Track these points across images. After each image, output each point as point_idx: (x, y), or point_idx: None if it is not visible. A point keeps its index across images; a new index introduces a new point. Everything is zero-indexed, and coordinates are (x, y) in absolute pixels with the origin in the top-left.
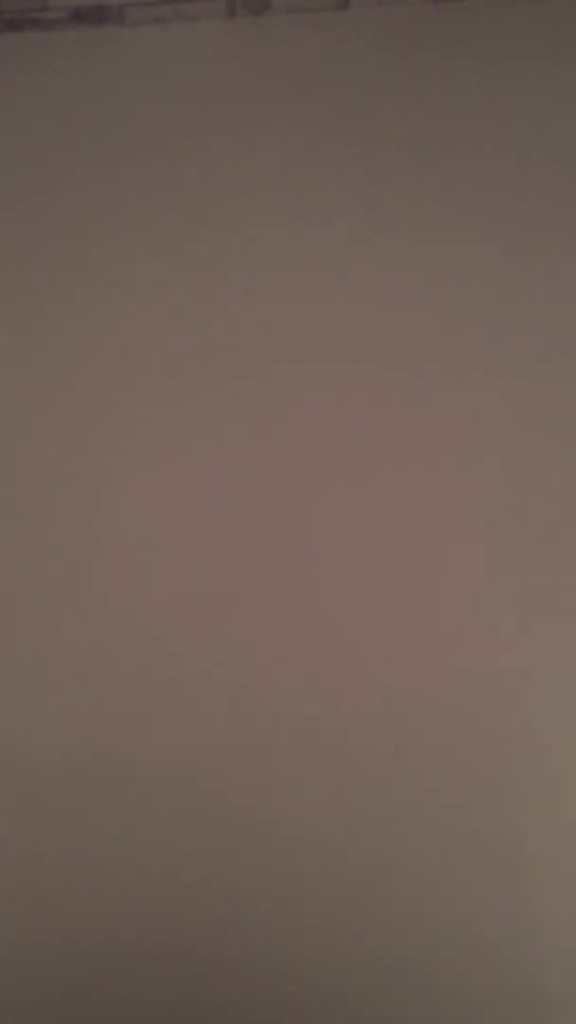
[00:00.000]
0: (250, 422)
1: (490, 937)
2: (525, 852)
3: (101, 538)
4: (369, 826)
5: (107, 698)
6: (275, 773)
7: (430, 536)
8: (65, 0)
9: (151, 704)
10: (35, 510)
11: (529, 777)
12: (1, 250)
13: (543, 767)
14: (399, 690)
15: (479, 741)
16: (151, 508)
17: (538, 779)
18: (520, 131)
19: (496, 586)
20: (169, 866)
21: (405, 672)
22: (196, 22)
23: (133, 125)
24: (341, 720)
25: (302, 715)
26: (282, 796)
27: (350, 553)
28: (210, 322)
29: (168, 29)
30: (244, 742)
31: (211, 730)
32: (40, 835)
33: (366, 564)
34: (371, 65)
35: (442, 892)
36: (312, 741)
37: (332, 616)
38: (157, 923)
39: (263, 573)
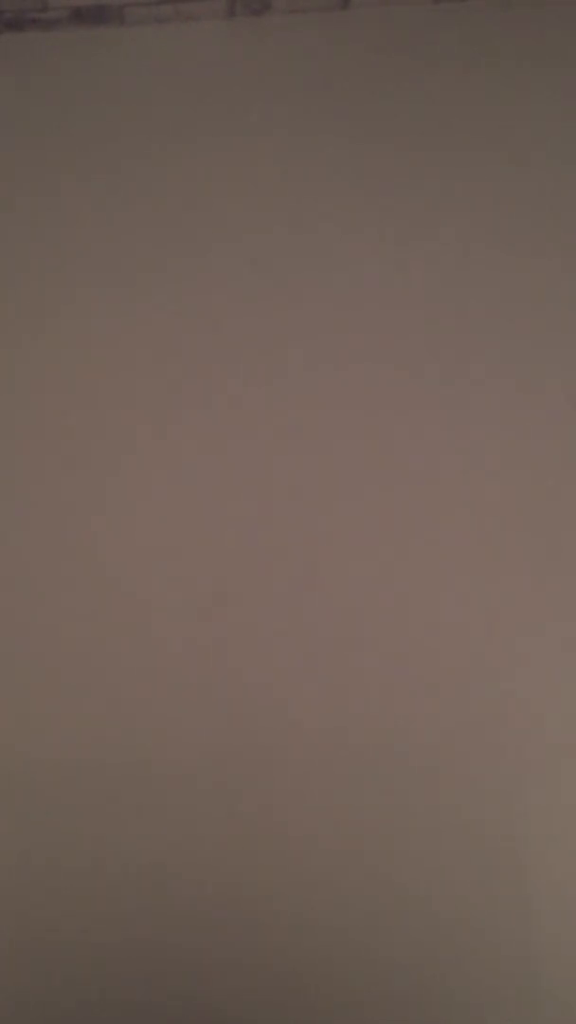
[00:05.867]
0: (252, 424)
1: (490, 934)
2: (525, 850)
3: (103, 540)
4: (369, 824)
5: (108, 699)
6: (276, 772)
7: (430, 537)
8: (65, 0)
9: (152, 704)
10: (37, 513)
11: (530, 776)
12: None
13: (544, 766)
14: (400, 689)
15: (479, 741)
16: (154, 511)
17: (539, 778)
18: (519, 130)
19: (496, 586)
20: (169, 865)
21: (406, 671)
22: (196, 22)
23: (133, 125)
24: (342, 720)
25: (303, 716)
26: (283, 795)
27: (350, 554)
28: (210, 322)
29: (168, 29)
30: (245, 742)
31: (212, 730)
32: (40, 834)
33: (367, 565)
34: (371, 65)
35: (442, 890)
36: (313, 741)
37: (333, 617)
38: (156, 921)
39: (264, 574)
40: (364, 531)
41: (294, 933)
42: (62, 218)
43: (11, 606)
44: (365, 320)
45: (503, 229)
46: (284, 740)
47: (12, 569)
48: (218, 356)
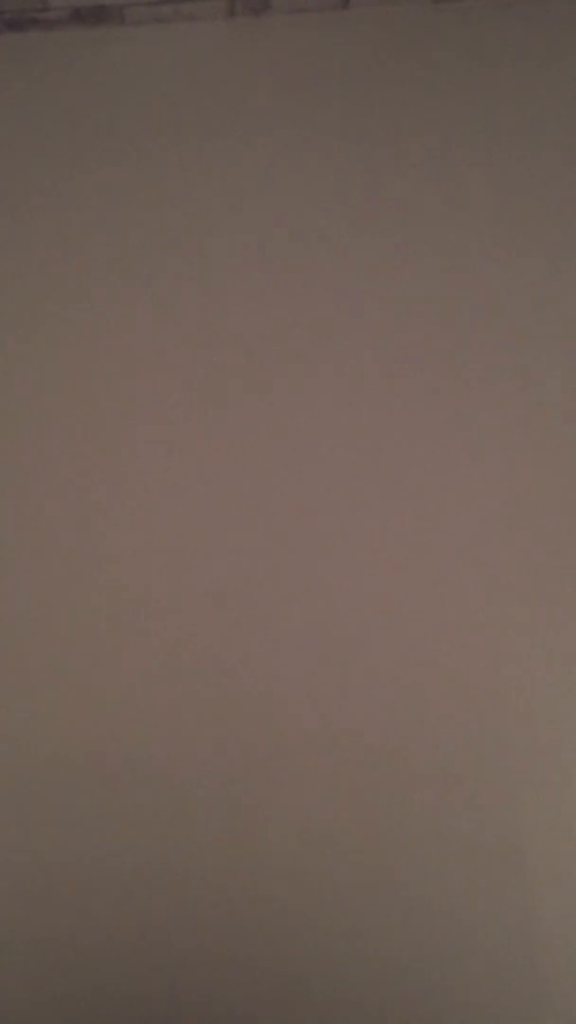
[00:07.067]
0: (253, 424)
1: (490, 936)
2: (526, 852)
3: (104, 541)
4: (370, 826)
5: (109, 699)
6: (276, 773)
7: (432, 541)
8: (65, 0)
9: (152, 705)
10: (37, 512)
11: (530, 778)
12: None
13: (544, 768)
14: (401, 692)
15: (480, 742)
16: (153, 512)
17: (539, 780)
18: (519, 130)
19: (498, 588)
20: (168, 865)
21: (407, 673)
22: (196, 22)
23: (133, 124)
24: (343, 722)
25: (304, 718)
26: (283, 796)
27: (352, 555)
28: (211, 321)
29: (168, 29)
30: (246, 742)
31: (213, 731)
32: (40, 833)
33: (368, 567)
34: (371, 65)
35: (442, 891)
36: (314, 742)
37: (334, 620)
38: (156, 922)
39: (265, 575)
40: (366, 532)
41: (294, 932)
42: (62, 217)
43: (11, 606)
44: (366, 320)
45: (504, 228)
46: (285, 742)
47: (13, 569)
48: (218, 355)
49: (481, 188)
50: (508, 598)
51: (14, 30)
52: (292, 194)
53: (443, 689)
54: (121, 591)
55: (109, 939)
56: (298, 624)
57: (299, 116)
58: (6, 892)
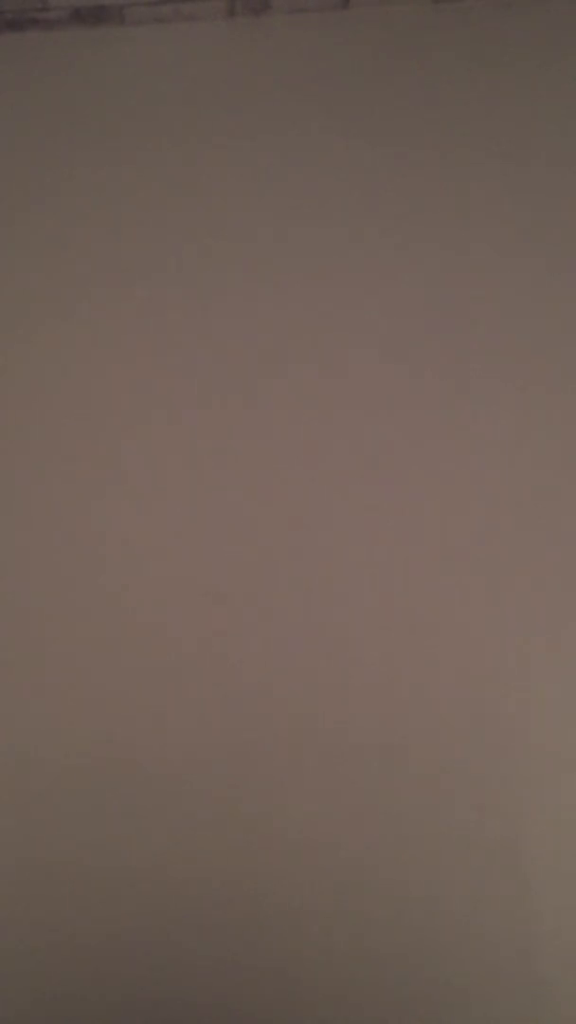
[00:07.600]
0: (253, 423)
1: (489, 934)
2: (524, 851)
3: (104, 540)
4: (369, 824)
5: (108, 700)
6: (276, 773)
7: (433, 538)
8: (65, 0)
9: (151, 705)
10: (38, 513)
11: (529, 776)
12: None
13: (543, 767)
14: (401, 690)
15: (479, 741)
16: (154, 512)
17: (538, 779)
18: (518, 130)
19: (498, 587)
20: (168, 865)
21: (407, 672)
22: (196, 22)
23: (133, 124)
24: (343, 720)
25: (304, 716)
26: (283, 795)
27: (352, 554)
28: (211, 320)
29: (168, 29)
30: (245, 742)
31: (212, 731)
32: (41, 833)
33: (368, 566)
34: (371, 65)
35: (442, 891)
36: (314, 742)
37: (334, 620)
38: (156, 921)
39: (265, 575)
40: (365, 532)
41: (293, 931)
42: (62, 217)
43: (11, 606)
44: (366, 319)
45: (503, 228)
46: (285, 741)
47: (11, 570)
48: (218, 355)
49: (481, 187)
50: (508, 597)
51: (14, 30)
52: (292, 194)
53: (443, 689)
54: (121, 591)
55: (109, 939)
56: (298, 624)
57: (299, 116)
58: (6, 892)
